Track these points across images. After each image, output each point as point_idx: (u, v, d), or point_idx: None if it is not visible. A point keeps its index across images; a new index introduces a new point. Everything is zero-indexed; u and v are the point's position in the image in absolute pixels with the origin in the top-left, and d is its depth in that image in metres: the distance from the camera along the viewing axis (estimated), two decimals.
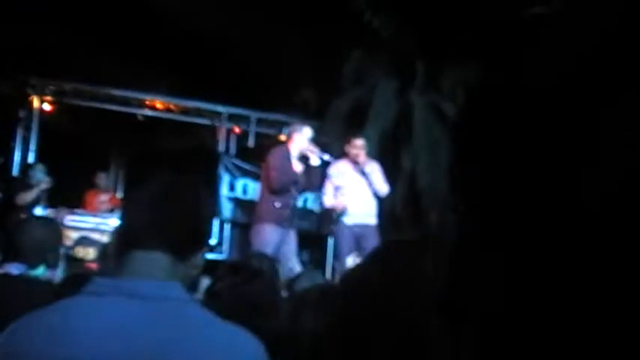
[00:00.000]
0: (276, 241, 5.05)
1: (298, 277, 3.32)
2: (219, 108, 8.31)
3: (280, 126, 7.79)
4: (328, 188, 5.54)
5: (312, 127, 5.85)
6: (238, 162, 8.04)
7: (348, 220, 5.47)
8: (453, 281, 0.61)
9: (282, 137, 6.77)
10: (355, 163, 5.52)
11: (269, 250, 4.75)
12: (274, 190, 5.11)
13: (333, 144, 6.62)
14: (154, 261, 1.33)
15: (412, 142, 7.38)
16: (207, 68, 8.21)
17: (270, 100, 7.98)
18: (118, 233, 1.39)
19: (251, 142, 8.43)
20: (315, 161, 5.26)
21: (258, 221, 5.17)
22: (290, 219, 5.16)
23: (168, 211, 1.35)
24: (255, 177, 7.12)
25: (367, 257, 1.12)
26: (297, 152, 5.35)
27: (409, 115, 7.47)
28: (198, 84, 8.07)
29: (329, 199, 5.51)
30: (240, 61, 7.91)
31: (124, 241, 1.35)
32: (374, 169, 5.60)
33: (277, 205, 5.11)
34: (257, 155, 7.10)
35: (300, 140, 5.37)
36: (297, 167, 5.34)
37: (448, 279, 0.62)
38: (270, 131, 8.15)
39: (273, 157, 5.27)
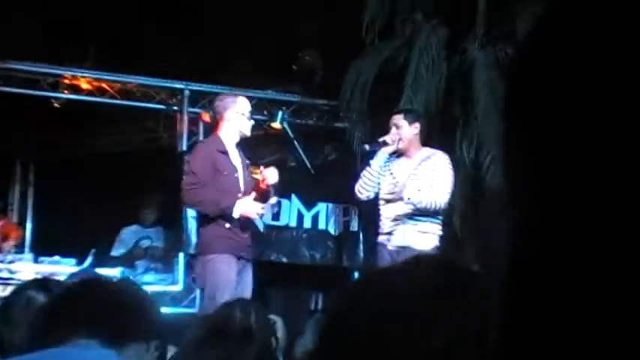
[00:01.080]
0: (234, 279, 4.57)
1: (302, 335, 3.04)
2: (178, 84, 7.26)
3: (273, 107, 7.31)
4: (368, 176, 5.17)
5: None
6: None
7: (388, 239, 5.08)
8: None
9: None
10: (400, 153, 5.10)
11: (227, 293, 4.32)
12: (187, 205, 4.87)
13: (356, 126, 6.72)
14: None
15: (471, 122, 6.51)
16: (156, 25, 7.19)
17: (257, 70, 7.24)
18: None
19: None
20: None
21: (206, 251, 4.68)
22: (249, 246, 4.74)
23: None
24: None
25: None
26: (237, 137, 4.83)
27: (466, 79, 6.62)
28: (138, 51, 7.13)
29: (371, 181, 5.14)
30: (208, 13, 7.24)
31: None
32: (435, 165, 5.17)
33: (228, 225, 4.60)
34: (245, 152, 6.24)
35: (237, 119, 4.80)
36: (237, 161, 4.79)
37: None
38: (258, 117, 6.97)
39: (192, 158, 4.87)
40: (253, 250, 4.93)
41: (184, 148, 7.06)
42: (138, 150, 7.77)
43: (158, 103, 7.33)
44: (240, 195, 4.65)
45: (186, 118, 7.21)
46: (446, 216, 5.48)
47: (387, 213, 5.15)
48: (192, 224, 6.28)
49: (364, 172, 5.25)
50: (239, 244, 4.66)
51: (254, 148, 5.89)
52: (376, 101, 6.67)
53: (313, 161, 7.07)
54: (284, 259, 7.08)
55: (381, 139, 5.19)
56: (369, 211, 5.99)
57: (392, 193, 5.09)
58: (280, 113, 6.91)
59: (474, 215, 6.27)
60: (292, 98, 7.41)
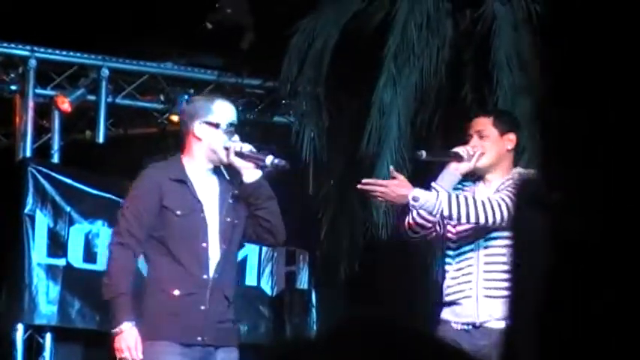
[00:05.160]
0: None
1: None
2: (19, 50, 7.12)
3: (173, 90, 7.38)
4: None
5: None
6: (72, 179, 7.15)
7: (452, 315, 5.08)
8: None
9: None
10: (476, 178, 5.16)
11: None
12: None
13: (307, 121, 6.55)
14: None
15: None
16: None
17: (146, 29, 7.25)
18: None
19: (101, 132, 7.51)
20: (250, 175, 4.75)
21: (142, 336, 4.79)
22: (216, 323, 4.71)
23: None
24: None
25: None
26: (208, 160, 4.83)
27: (482, 47, 6.34)
28: None
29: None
30: None
31: None
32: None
33: (177, 293, 4.63)
34: (115, 162, 7.18)
35: (209, 134, 4.80)
36: (209, 194, 4.84)
37: None
38: (151, 105, 7.59)
39: (132, 188, 4.93)
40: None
41: (28, 152, 6.99)
42: None
43: None
44: (204, 246, 4.64)
45: (31, 104, 7.03)
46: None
47: (455, 271, 5.09)
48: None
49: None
50: (188, 322, 4.66)
51: (143, 154, 6.26)
52: (339, 81, 6.59)
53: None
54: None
55: (453, 150, 5.07)
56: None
57: (466, 238, 5.09)
58: (186, 99, 6.81)
59: None
60: (205, 75, 7.42)
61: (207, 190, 4.84)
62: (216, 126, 4.83)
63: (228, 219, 4.79)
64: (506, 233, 5.13)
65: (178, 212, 4.72)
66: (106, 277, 4.82)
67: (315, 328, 7.24)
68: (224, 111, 4.95)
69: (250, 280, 7.16)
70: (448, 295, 5.15)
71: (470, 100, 6.35)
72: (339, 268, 6.66)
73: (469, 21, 6.47)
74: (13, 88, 7.04)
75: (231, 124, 4.92)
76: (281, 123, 7.29)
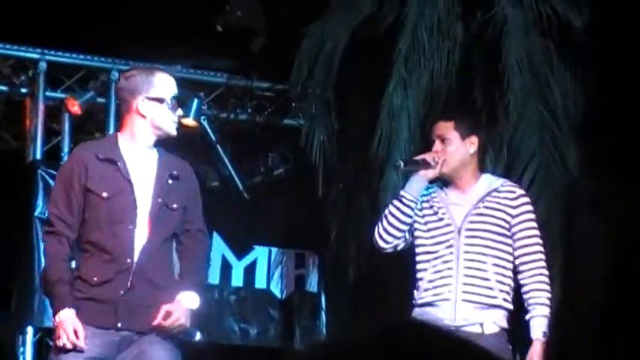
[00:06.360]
0: None
1: None
2: (30, 53, 7.18)
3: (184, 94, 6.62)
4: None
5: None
6: None
7: (427, 317, 5.10)
8: None
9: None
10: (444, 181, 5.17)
11: None
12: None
13: (317, 124, 6.59)
14: None
15: (500, 117, 6.32)
16: None
17: (157, 33, 7.13)
18: None
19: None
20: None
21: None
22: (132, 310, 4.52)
23: None
24: None
25: None
26: (152, 138, 4.62)
27: (493, 50, 6.36)
28: None
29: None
30: None
31: None
32: (508, 207, 5.12)
33: (96, 279, 4.48)
34: None
35: (153, 109, 4.60)
36: (143, 174, 4.62)
37: None
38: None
39: (58, 172, 4.94)
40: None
41: (38, 155, 7.04)
42: None
43: None
44: (130, 228, 4.44)
45: (41, 106, 7.07)
46: None
47: (433, 274, 5.09)
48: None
49: (390, 207, 5.20)
50: (102, 307, 4.50)
51: None
52: (349, 84, 6.64)
53: (248, 179, 7.24)
54: (198, 337, 6.52)
55: (418, 157, 5.12)
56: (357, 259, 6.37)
57: (445, 242, 5.08)
58: (196, 103, 6.89)
59: None
60: (215, 78, 7.45)
61: (142, 170, 4.69)
62: (161, 101, 4.68)
63: (160, 199, 4.62)
64: (487, 238, 5.10)
65: (105, 194, 4.56)
66: (43, 270, 4.76)
67: (324, 331, 7.19)
68: (166, 84, 4.78)
69: (260, 282, 7.18)
70: (423, 297, 5.14)
71: (480, 103, 6.37)
72: (348, 270, 6.68)
73: (480, 24, 6.46)
74: (24, 90, 7.10)
75: (173, 98, 4.78)
76: (291, 126, 7.29)
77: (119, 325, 4.48)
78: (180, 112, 4.86)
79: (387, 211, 5.24)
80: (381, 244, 5.19)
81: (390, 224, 5.16)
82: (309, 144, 6.57)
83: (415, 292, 5.20)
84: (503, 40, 6.27)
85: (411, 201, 5.09)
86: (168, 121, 4.66)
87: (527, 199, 5.30)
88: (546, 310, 5.11)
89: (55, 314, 4.51)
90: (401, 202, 5.14)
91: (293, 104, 7.21)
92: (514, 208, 5.14)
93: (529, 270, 5.20)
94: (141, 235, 4.52)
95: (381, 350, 1.22)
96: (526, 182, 6.08)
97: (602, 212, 6.67)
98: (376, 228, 5.24)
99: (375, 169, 6.48)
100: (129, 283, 4.49)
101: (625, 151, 6.39)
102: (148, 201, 4.56)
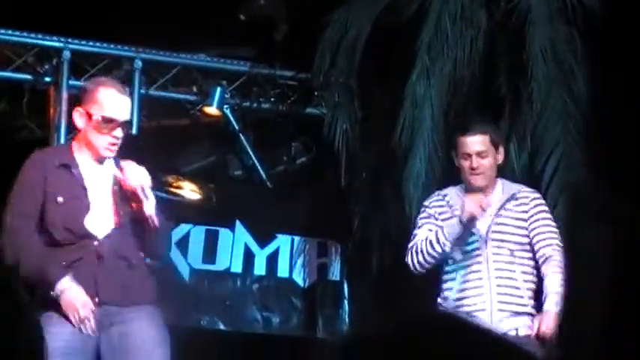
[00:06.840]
0: (69, 353, 4.41)
1: None
2: (53, 41, 7.20)
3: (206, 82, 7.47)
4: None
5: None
6: None
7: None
8: None
9: (207, 110, 7.09)
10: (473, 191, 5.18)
11: None
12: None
13: (340, 112, 6.59)
14: None
15: (524, 105, 6.31)
16: None
17: (180, 22, 7.11)
18: None
19: (134, 124, 7.03)
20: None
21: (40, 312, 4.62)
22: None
23: None
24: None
25: None
26: (100, 150, 4.57)
27: (517, 38, 6.35)
28: None
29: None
30: None
31: None
32: (529, 213, 5.19)
33: (65, 263, 4.48)
34: (148, 153, 6.31)
35: (92, 123, 4.53)
36: (98, 180, 4.61)
37: None
38: (184, 96, 7.62)
39: (20, 176, 4.65)
40: (171, 309, 4.91)
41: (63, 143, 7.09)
42: None
43: (18, 70, 7.26)
44: (86, 227, 4.50)
45: (65, 95, 7.06)
46: None
47: (462, 283, 5.16)
48: None
49: (427, 247, 5.19)
50: (82, 277, 4.47)
51: (175, 146, 6.57)
52: (372, 72, 6.62)
53: (271, 168, 7.25)
54: (221, 326, 7.07)
55: (464, 216, 5.01)
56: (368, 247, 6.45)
57: (472, 251, 5.10)
58: (219, 91, 6.98)
59: None
60: (238, 67, 7.43)
61: (94, 176, 4.66)
62: (100, 116, 4.57)
63: (116, 206, 4.63)
64: (513, 248, 5.15)
65: (60, 199, 4.58)
66: (14, 256, 4.53)
67: (346, 319, 7.18)
68: (110, 98, 4.67)
69: (282, 271, 7.23)
70: (459, 307, 5.17)
71: (504, 91, 6.40)
72: (371, 259, 6.70)
73: (503, 12, 6.46)
74: (47, 79, 7.13)
75: (115, 113, 4.64)
76: (314, 114, 7.31)
77: (99, 298, 4.45)
78: (118, 135, 4.66)
79: (424, 248, 5.20)
80: (417, 272, 5.21)
81: (427, 262, 5.18)
82: (331, 132, 6.62)
83: (443, 301, 5.24)
84: (527, 29, 6.29)
85: (447, 244, 5.06)
86: (99, 140, 4.59)
87: (541, 201, 5.32)
88: (559, 290, 5.04)
89: (53, 288, 4.42)
90: (443, 250, 5.10)
91: (316, 93, 7.25)
92: (527, 212, 5.16)
93: (545, 260, 5.14)
94: (102, 228, 4.51)
95: (413, 342, 1.22)
96: (550, 170, 6.13)
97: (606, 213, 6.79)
98: (410, 257, 5.25)
99: (398, 158, 6.47)
100: (104, 260, 4.45)
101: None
102: (98, 204, 4.56)
